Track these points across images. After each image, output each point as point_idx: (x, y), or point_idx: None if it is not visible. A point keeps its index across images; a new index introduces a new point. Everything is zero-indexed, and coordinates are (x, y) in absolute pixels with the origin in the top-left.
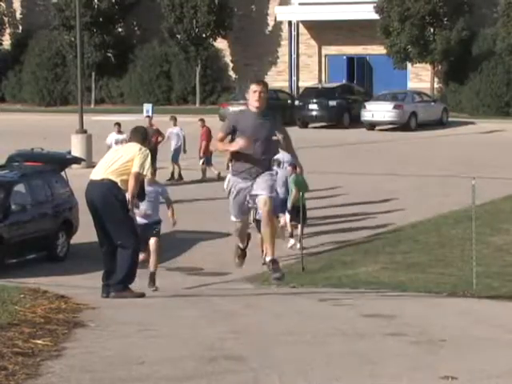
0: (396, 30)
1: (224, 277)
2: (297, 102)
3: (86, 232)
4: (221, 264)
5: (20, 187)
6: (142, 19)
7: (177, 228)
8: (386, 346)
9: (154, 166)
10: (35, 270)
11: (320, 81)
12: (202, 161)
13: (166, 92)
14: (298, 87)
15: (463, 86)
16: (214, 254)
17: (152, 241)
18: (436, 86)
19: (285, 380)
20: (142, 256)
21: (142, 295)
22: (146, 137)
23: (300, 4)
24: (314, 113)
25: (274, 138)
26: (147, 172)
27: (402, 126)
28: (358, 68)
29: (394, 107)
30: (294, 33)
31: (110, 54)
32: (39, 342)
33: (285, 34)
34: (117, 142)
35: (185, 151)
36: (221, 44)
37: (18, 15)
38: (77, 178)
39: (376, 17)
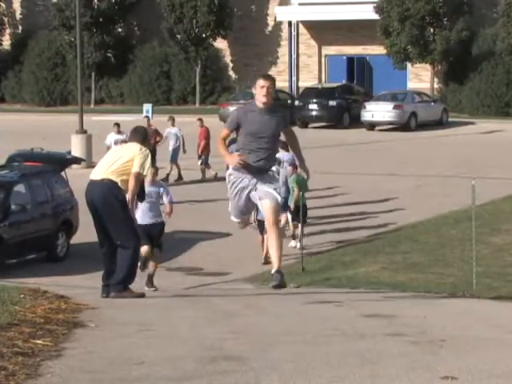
0: (396, 30)
1: (224, 277)
2: (297, 102)
3: (86, 232)
4: (221, 264)
5: (20, 187)
6: (142, 19)
7: (177, 228)
8: (386, 346)
9: (154, 166)
10: (35, 269)
11: (320, 81)
12: (200, 161)
13: (166, 92)
14: (297, 87)
15: (463, 86)
16: (213, 254)
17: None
18: (436, 86)
19: (285, 380)
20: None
21: (142, 295)
22: (146, 137)
23: (300, 4)
24: (314, 113)
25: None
26: (147, 172)
27: (401, 126)
28: (357, 68)
29: (394, 107)
30: (293, 33)
31: (109, 54)
32: (39, 342)
33: (285, 34)
34: (116, 143)
35: (184, 151)
36: (221, 44)
37: (18, 15)
38: (77, 178)
39: (376, 17)
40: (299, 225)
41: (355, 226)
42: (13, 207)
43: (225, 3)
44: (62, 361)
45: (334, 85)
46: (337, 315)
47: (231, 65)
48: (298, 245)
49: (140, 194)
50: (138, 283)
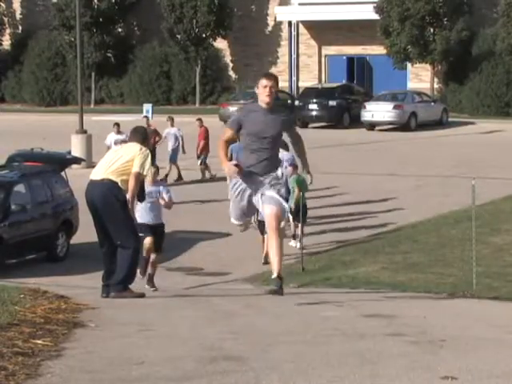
0: (396, 30)
1: (224, 277)
2: (297, 102)
3: (86, 232)
4: (221, 264)
5: (20, 187)
6: (141, 19)
7: (177, 228)
8: (386, 346)
9: (155, 165)
10: (35, 269)
11: (320, 81)
12: (199, 161)
13: (166, 92)
14: (297, 87)
15: (463, 86)
16: (213, 254)
17: (153, 256)
18: (436, 86)
19: (285, 380)
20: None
21: (142, 295)
22: (146, 137)
23: (300, 4)
24: (314, 113)
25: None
26: (147, 172)
27: (401, 126)
28: (357, 68)
29: (394, 107)
30: (293, 33)
31: (109, 54)
32: (39, 342)
33: (285, 34)
34: (116, 143)
35: (184, 152)
36: (221, 44)
37: (18, 15)
38: (77, 178)
39: (376, 17)
40: (299, 225)
41: (355, 226)
42: (13, 207)
43: (225, 3)
44: (61, 361)
45: (334, 85)
46: (337, 315)
47: (231, 65)
48: (298, 245)
49: (140, 194)
50: (138, 283)
